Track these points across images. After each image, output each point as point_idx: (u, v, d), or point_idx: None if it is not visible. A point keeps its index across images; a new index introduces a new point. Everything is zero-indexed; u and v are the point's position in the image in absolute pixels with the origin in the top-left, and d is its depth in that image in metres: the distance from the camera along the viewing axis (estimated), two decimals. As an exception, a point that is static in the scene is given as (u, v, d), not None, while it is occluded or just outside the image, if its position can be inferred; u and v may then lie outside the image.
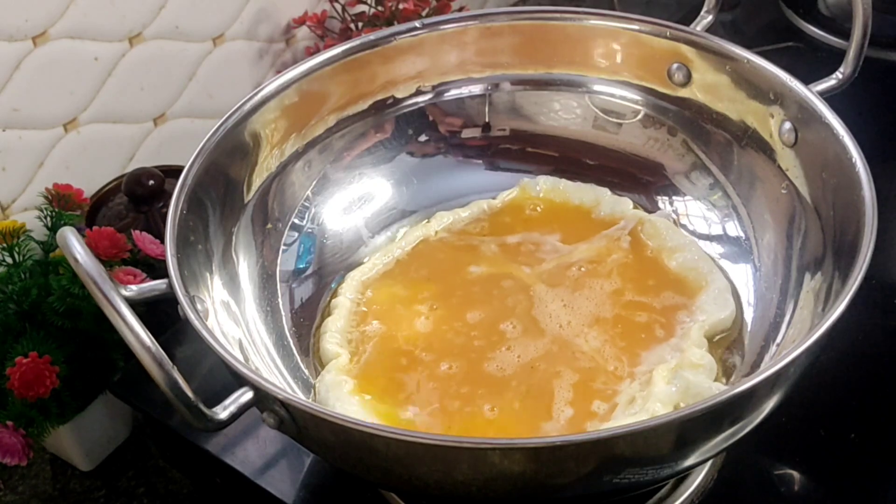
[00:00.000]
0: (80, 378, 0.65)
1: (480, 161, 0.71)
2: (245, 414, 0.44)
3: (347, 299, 0.63)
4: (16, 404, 0.62)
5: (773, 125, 0.59)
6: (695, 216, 0.66)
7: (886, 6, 0.63)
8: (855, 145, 0.52)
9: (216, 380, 0.49)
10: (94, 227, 0.68)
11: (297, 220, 0.66)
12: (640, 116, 0.68)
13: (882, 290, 0.68)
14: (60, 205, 0.73)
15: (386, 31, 0.66)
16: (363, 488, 0.59)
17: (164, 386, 0.41)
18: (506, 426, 0.54)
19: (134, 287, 0.47)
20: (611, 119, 0.69)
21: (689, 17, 0.65)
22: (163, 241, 0.51)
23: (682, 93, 0.65)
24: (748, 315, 0.60)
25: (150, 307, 0.48)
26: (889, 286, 0.69)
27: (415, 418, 0.55)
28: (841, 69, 0.59)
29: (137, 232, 0.69)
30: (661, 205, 0.68)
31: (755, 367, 0.56)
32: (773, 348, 0.56)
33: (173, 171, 0.73)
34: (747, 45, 0.61)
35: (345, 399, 0.55)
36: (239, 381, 0.44)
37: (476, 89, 0.70)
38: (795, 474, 0.58)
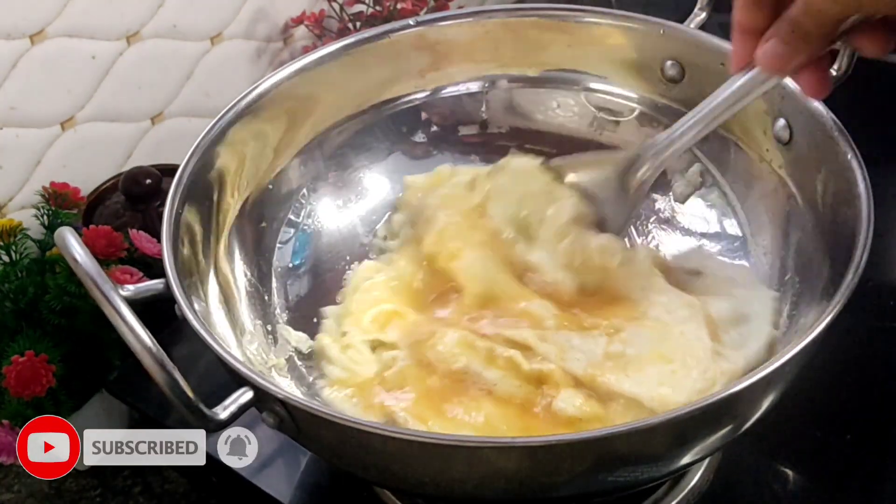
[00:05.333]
0: (77, 377, 0.65)
1: (477, 158, 0.71)
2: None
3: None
4: (12, 403, 0.62)
5: (768, 122, 0.59)
6: (692, 215, 0.66)
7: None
8: (850, 143, 0.52)
9: (213, 378, 0.48)
10: (91, 226, 0.68)
11: (293, 217, 0.66)
12: (635, 114, 0.68)
13: (878, 291, 0.68)
14: (57, 203, 0.73)
15: (381, 28, 0.66)
16: (359, 487, 0.59)
17: (164, 387, 0.41)
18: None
19: (131, 287, 0.47)
20: (607, 117, 0.69)
21: (687, 18, 0.65)
22: (160, 240, 0.51)
23: (677, 90, 0.65)
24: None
25: (146, 305, 0.48)
26: (885, 287, 0.70)
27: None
28: (835, 66, 0.59)
29: (134, 230, 0.69)
30: (658, 202, 0.68)
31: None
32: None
33: (170, 170, 0.73)
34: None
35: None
36: (238, 380, 0.44)
37: (473, 87, 0.70)
38: (792, 474, 0.59)
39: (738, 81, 0.49)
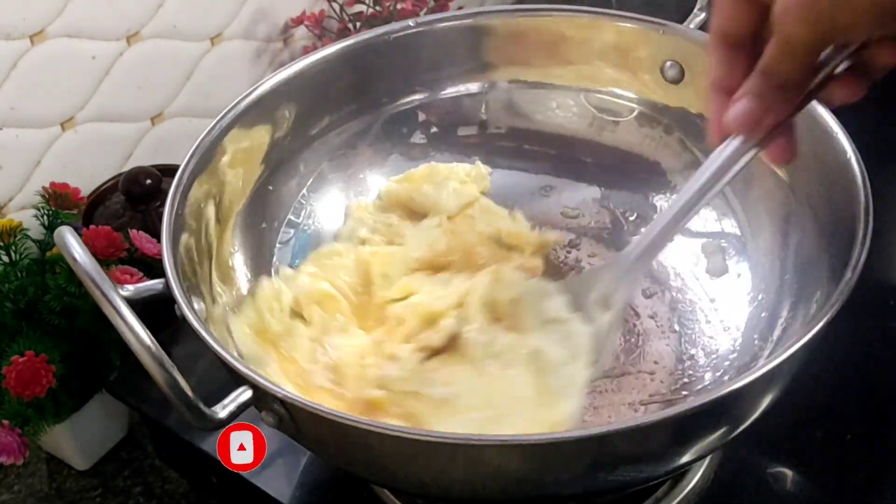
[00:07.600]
0: (77, 377, 0.65)
1: (477, 159, 0.71)
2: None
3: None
4: (12, 403, 0.62)
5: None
6: (692, 215, 0.66)
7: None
8: (850, 142, 0.52)
9: (213, 378, 0.48)
10: (91, 226, 0.68)
11: (293, 217, 0.66)
12: (635, 114, 0.68)
13: (878, 291, 0.68)
14: (57, 203, 0.73)
15: (380, 29, 0.66)
16: (358, 487, 0.59)
17: (164, 386, 0.41)
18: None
19: (131, 287, 0.47)
20: (607, 117, 0.69)
21: (687, 18, 0.65)
22: (160, 240, 0.51)
23: (676, 90, 0.65)
24: (745, 312, 0.60)
25: (146, 305, 0.48)
26: (885, 287, 0.70)
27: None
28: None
29: (134, 230, 0.69)
30: (657, 202, 0.68)
31: (751, 363, 0.56)
32: (768, 346, 0.56)
33: (170, 170, 0.73)
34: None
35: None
36: (237, 379, 0.44)
37: (473, 87, 0.70)
38: (792, 474, 0.58)
39: (717, 161, 0.43)
